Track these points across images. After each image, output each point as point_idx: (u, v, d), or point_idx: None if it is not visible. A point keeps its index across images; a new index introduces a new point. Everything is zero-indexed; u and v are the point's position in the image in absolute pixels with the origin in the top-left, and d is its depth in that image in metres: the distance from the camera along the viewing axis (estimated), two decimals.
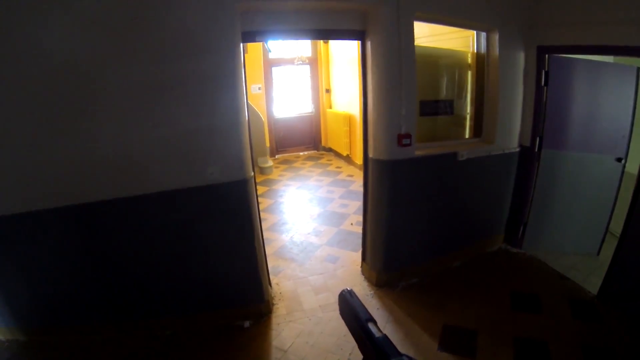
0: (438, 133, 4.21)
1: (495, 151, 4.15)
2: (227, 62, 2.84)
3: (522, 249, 4.61)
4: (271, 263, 4.35)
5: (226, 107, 2.91)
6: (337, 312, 3.46)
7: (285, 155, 9.51)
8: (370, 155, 3.63)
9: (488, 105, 4.14)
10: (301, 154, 9.67)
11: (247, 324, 3.43)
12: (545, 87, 4.06)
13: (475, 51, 4.19)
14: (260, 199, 6.32)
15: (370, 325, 1.06)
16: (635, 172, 3.46)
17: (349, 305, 1.13)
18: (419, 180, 3.74)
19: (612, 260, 3.62)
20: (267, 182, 7.41)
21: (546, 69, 4.00)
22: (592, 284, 3.86)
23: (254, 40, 3.15)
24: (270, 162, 8.04)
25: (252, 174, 3.23)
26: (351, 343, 3.22)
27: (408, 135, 3.44)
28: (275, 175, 7.88)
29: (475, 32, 4.09)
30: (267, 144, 8.64)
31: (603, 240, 4.56)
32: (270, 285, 3.87)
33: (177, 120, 2.83)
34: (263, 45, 8.23)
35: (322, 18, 3.21)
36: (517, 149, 4.32)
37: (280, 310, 3.64)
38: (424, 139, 3.95)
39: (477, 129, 4.32)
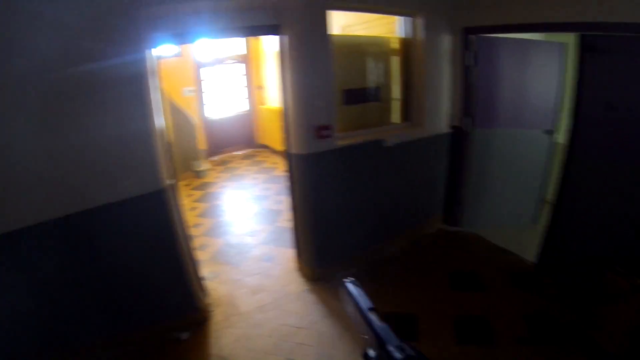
0: (365, 121, 4.20)
1: (424, 134, 4.21)
2: (132, 68, 2.67)
3: (461, 227, 4.72)
4: (207, 269, 4.25)
5: (133, 115, 2.74)
6: (275, 312, 3.48)
7: (223, 156, 9.30)
8: (292, 150, 3.58)
9: (415, 89, 4.19)
10: (238, 153, 9.49)
11: (184, 335, 3.33)
12: (473, 68, 4.13)
13: (401, 36, 4.21)
14: (195, 204, 6.27)
15: (371, 314, 1.10)
16: (565, 142, 3.58)
17: (350, 296, 1.18)
18: (345, 171, 3.73)
19: (547, 229, 3.76)
20: (204, 186, 7.22)
21: (473, 50, 4.07)
22: (532, 254, 3.97)
23: (167, 43, 3.02)
24: (205, 165, 7.84)
25: (170, 182, 3.09)
26: (289, 342, 3.22)
27: (327, 127, 3.42)
28: (212, 177, 7.70)
29: (400, 17, 4.10)
30: (203, 147, 8.41)
31: (539, 210, 4.73)
32: (206, 293, 3.77)
33: (84, 131, 2.62)
34: (189, 48, 7.97)
35: (237, 15, 3.12)
36: (449, 130, 4.40)
37: (217, 317, 3.55)
38: (349, 128, 3.94)
39: (406, 114, 4.35)
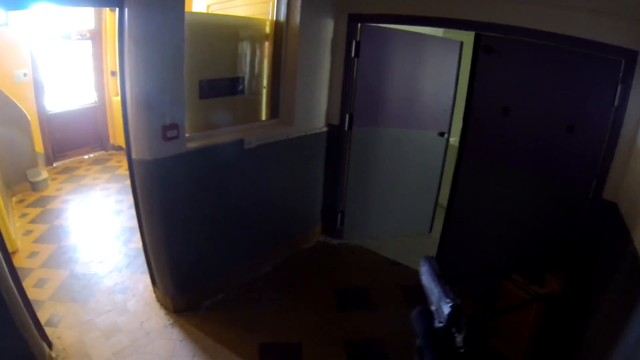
0: (225, 118, 4.25)
1: (295, 133, 4.33)
2: None
3: (344, 239, 4.92)
4: (48, 312, 4.10)
5: None
6: (132, 357, 3.49)
7: (67, 161, 8.85)
8: (134, 156, 3.53)
9: (285, 80, 4.30)
10: (86, 157, 9.12)
11: None
12: (355, 59, 4.32)
13: (275, 19, 4.28)
14: (31, 226, 5.98)
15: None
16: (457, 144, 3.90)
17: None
18: (199, 179, 3.79)
19: (441, 235, 4.10)
20: (42, 201, 6.85)
21: (357, 39, 4.26)
22: None
23: None
24: (44, 174, 7.40)
25: None
26: None
27: (174, 126, 3.45)
28: (52, 189, 7.32)
29: None
30: (40, 150, 8.00)
31: (434, 217, 5.08)
32: (50, 344, 3.63)
33: None
34: (21, 17, 7.20)
35: None
36: (324, 129, 4.57)
37: None
38: (206, 127, 3.99)
39: (274, 110, 4.46)
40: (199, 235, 3.93)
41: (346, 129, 4.58)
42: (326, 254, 4.81)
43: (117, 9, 3.19)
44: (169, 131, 3.44)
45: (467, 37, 4.38)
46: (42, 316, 3.96)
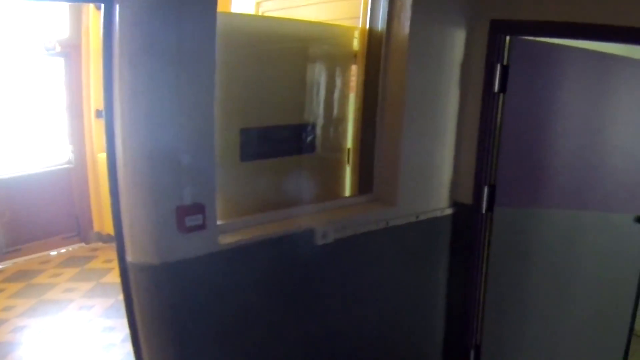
0: (282, 194, 4.12)
1: (399, 219, 4.22)
2: None
3: None
4: None
5: None
6: None
7: (22, 260, 9.08)
8: (129, 257, 3.43)
9: (385, 129, 4.19)
10: (54, 253, 9.30)
11: None
12: (500, 95, 4.18)
13: (368, 27, 4.23)
14: None
15: None
16: None
17: None
18: (237, 298, 3.67)
19: None
20: None
21: (504, 62, 4.12)
22: None
23: None
24: None
25: None
26: None
27: (198, 208, 3.35)
28: None
29: None
30: None
31: (627, 352, 4.78)
32: None
33: None
34: None
35: None
36: (448, 211, 4.45)
37: None
38: (248, 209, 3.90)
39: (364, 179, 4.37)
40: None
41: (484, 210, 4.40)
42: None
43: (103, 4, 3.01)
44: (190, 217, 3.33)
45: None
46: None
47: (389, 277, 4.31)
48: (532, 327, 4.63)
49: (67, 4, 8.42)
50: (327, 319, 4.08)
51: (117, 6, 2.94)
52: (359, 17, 4.23)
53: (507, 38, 4.08)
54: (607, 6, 3.46)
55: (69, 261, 9.00)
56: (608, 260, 4.56)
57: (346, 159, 4.47)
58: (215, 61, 3.26)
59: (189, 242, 3.36)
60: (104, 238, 9.50)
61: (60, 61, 8.91)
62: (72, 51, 8.98)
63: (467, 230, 4.44)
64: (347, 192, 4.47)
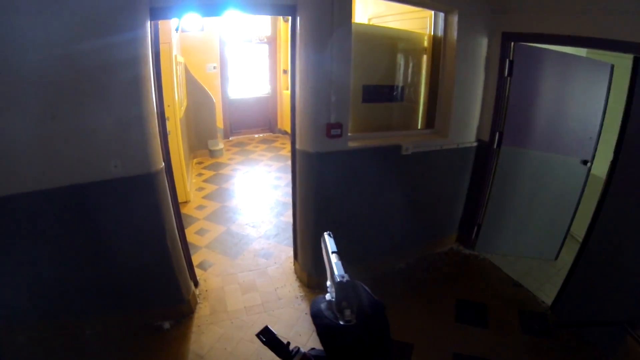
0: (384, 122, 3.94)
1: (448, 145, 3.90)
2: (127, 44, 2.48)
3: (475, 250, 4.42)
4: (202, 257, 4.13)
5: (125, 97, 2.58)
6: (262, 316, 3.26)
7: (240, 137, 9.13)
8: (297, 146, 3.33)
9: (443, 94, 3.88)
10: (256, 136, 9.31)
11: (167, 324, 3.19)
12: (508, 78, 3.79)
13: (432, 34, 3.91)
14: (204, 185, 6.11)
15: (333, 256, 1.22)
16: (601, 174, 3.27)
17: (324, 243, 1.30)
18: (354, 176, 3.47)
19: (571, 268, 3.37)
20: (216, 166, 7.07)
21: (510, 58, 3.73)
22: (547, 293, 3.69)
23: (167, 17, 2.79)
24: (220, 145, 7.67)
25: (162, 165, 2.90)
26: (271, 353, 2.96)
27: (338, 125, 3.15)
28: (225, 158, 7.53)
29: (433, 12, 3.80)
30: (220, 126, 8.26)
31: (562, 245, 4.36)
32: (197, 283, 3.63)
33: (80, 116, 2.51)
34: (213, 24, 7.77)
35: None
36: (474, 144, 4.09)
37: (203, 310, 3.39)
38: (365, 128, 3.69)
39: (429, 120, 4.06)
40: (344, 223, 3.61)
41: (495, 146, 4.04)
42: (456, 262, 4.29)
43: (290, 17, 3.09)
44: (333, 129, 3.16)
45: (617, 59, 3.67)
46: (196, 259, 4.05)
47: (438, 179, 4.07)
48: (510, 219, 4.30)
49: (269, 17, 8.58)
50: (400, 197, 3.85)
51: (298, 18, 3.01)
52: (426, 28, 4.00)
53: (512, 44, 3.72)
54: (575, 23, 3.06)
55: (263, 141, 8.98)
56: (562, 183, 4.16)
57: (420, 107, 4.21)
58: (351, 48, 3.11)
59: (331, 143, 3.22)
60: (282, 131, 9.42)
61: (266, 46, 8.99)
62: (271, 41, 8.99)
63: (484, 157, 4.13)
64: (419, 125, 4.22)
